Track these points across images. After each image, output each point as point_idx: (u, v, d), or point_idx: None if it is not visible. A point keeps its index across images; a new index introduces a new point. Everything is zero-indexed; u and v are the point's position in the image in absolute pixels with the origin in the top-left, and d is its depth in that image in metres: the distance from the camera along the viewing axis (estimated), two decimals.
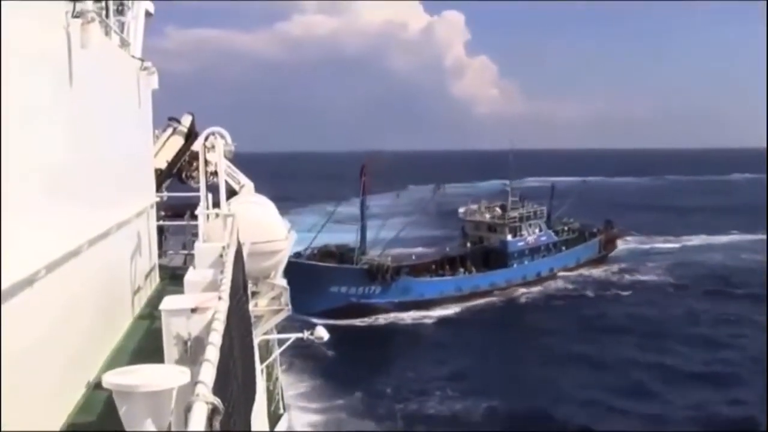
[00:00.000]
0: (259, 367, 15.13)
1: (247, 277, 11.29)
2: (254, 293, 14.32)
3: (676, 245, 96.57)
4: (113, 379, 3.82)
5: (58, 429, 7.81)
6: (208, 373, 3.70)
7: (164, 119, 21.17)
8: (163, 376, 3.92)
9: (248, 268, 11.62)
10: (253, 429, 7.24)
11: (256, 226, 13.15)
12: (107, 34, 12.35)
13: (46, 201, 7.68)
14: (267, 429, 14.91)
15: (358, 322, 60.05)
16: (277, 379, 20.01)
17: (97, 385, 8.82)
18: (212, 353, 3.99)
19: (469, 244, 74.53)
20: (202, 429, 3.13)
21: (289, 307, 14.57)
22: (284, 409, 19.22)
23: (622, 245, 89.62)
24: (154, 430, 3.91)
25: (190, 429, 3.10)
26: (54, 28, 8.25)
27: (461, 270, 68.91)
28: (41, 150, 7.58)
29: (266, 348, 19.06)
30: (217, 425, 3.47)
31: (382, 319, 61.54)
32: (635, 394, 42.56)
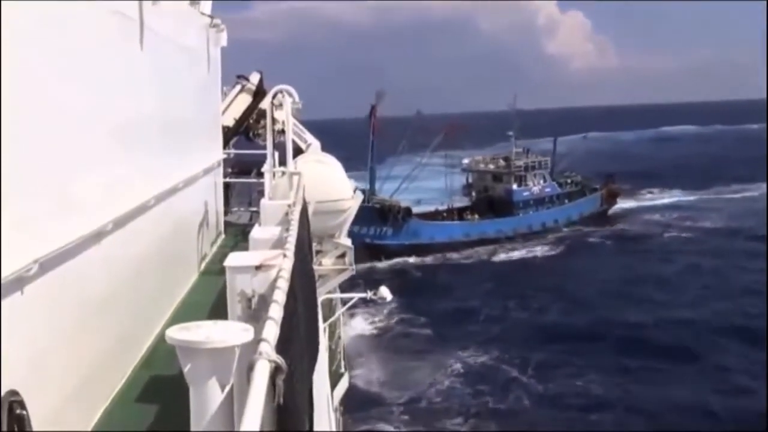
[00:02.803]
0: (322, 326, 15.20)
1: (312, 236, 11.29)
2: (318, 252, 14.32)
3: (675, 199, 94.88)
4: (177, 334, 3.78)
5: (123, 381, 7.94)
6: (272, 331, 3.65)
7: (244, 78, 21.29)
8: (226, 333, 3.88)
9: (313, 227, 11.59)
10: (315, 388, 7.25)
11: (322, 184, 13.10)
12: None
13: (113, 157, 7.74)
14: (328, 388, 15.00)
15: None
16: (339, 338, 20.08)
17: (161, 339, 8.94)
18: (276, 311, 3.94)
19: (474, 194, 74.80)
20: (265, 387, 3.09)
21: (353, 266, 14.55)
22: (345, 368, 19.29)
23: (624, 200, 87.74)
24: (217, 386, 3.90)
25: (252, 387, 3.05)
26: None
27: (470, 217, 69.52)
28: (110, 106, 7.62)
29: (329, 307, 19.12)
30: (279, 383, 3.43)
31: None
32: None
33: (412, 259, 63.16)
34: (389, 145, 72.28)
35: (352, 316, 43.03)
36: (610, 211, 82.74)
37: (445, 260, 64.36)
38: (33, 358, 5.48)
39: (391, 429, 34.50)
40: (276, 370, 3.38)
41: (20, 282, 5.19)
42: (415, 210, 67.36)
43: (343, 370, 19.16)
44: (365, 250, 54.64)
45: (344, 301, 18.82)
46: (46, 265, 5.58)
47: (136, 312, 8.49)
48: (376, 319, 47.70)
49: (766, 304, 46.30)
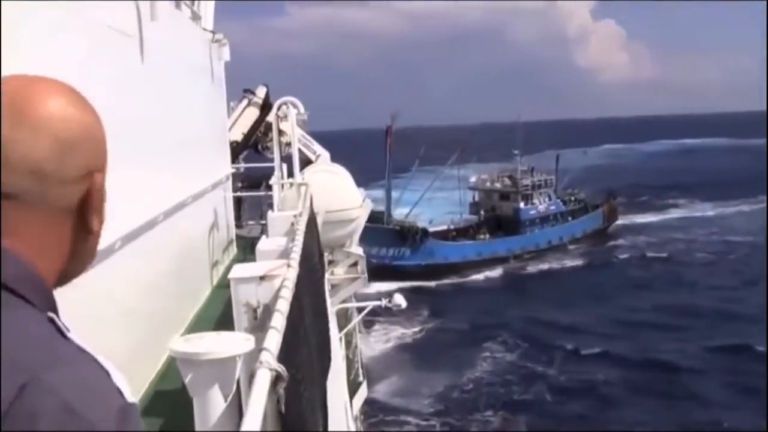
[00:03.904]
0: (338, 336, 15.19)
1: (322, 246, 11.30)
2: (331, 262, 14.35)
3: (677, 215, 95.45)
4: (179, 347, 3.83)
5: (140, 396, 7.97)
6: (273, 339, 3.67)
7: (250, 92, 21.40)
8: (227, 344, 3.91)
9: (324, 237, 11.62)
10: (331, 397, 7.25)
11: (330, 194, 13.13)
12: (178, 6, 12.42)
13: (119, 174, 7.75)
14: (347, 396, 15.00)
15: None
16: (356, 347, 20.06)
17: None
18: (278, 320, 3.96)
19: (482, 212, 75.63)
20: (265, 394, 3.10)
21: (366, 275, 14.57)
22: (364, 377, 19.27)
23: (644, 214, 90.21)
24: (220, 396, 3.92)
25: (252, 394, 3.08)
26: (123, 2, 8.31)
27: (482, 236, 70.55)
28: (113, 124, 7.64)
29: (345, 316, 19.12)
30: (280, 392, 3.45)
31: None
32: None
33: (431, 281, 63.60)
34: (407, 157, 73.06)
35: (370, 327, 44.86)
36: (611, 228, 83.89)
37: (462, 278, 65.38)
38: None
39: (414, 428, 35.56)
40: (277, 379, 3.40)
41: None
42: (428, 228, 68.48)
43: (361, 378, 19.14)
44: (385, 270, 55.32)
45: (360, 311, 18.82)
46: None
47: (149, 328, 8.51)
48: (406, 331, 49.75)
49: (765, 312, 46.83)
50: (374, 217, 61.94)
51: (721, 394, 37.31)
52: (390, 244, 62.68)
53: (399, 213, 68.69)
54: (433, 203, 73.24)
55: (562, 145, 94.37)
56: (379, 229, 60.44)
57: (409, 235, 63.61)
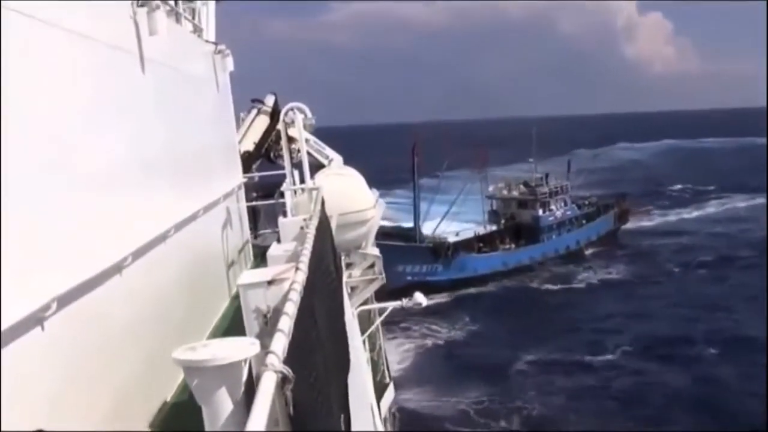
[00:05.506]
0: (361, 338, 15.16)
1: (338, 249, 11.28)
2: (348, 264, 14.34)
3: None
4: (182, 354, 3.83)
5: (158, 407, 7.98)
6: (280, 342, 3.66)
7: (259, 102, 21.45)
8: (232, 349, 3.91)
9: (339, 239, 11.61)
10: (354, 398, 7.23)
11: (343, 197, 13.12)
12: (178, 21, 12.45)
13: (128, 189, 7.79)
14: (373, 398, 14.97)
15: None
16: (380, 348, 20.02)
17: None
18: (285, 323, 3.96)
19: (503, 221, 75.92)
20: (270, 395, 3.11)
21: (383, 275, 14.55)
22: (390, 378, 19.23)
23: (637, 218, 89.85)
24: (229, 401, 3.92)
25: (257, 397, 3.08)
26: (121, 18, 8.33)
27: (508, 246, 70.99)
28: (119, 139, 7.68)
29: (368, 319, 19.06)
30: (288, 394, 3.44)
31: None
32: None
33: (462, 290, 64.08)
34: (436, 159, 73.21)
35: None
36: (636, 228, 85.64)
37: (488, 287, 65.67)
38: (57, 396, 5.48)
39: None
40: (284, 381, 3.39)
41: (40, 319, 5.20)
42: (453, 240, 68.95)
43: (387, 380, 19.09)
44: (419, 286, 55.23)
45: (381, 312, 18.77)
46: (66, 300, 5.59)
47: (165, 341, 8.50)
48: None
49: (766, 314, 47.07)
50: (406, 235, 63.31)
51: None
52: (424, 261, 63.70)
53: (434, 211, 69.00)
54: (465, 205, 73.31)
55: (598, 143, 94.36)
56: (413, 248, 62.31)
57: (441, 251, 64.53)
